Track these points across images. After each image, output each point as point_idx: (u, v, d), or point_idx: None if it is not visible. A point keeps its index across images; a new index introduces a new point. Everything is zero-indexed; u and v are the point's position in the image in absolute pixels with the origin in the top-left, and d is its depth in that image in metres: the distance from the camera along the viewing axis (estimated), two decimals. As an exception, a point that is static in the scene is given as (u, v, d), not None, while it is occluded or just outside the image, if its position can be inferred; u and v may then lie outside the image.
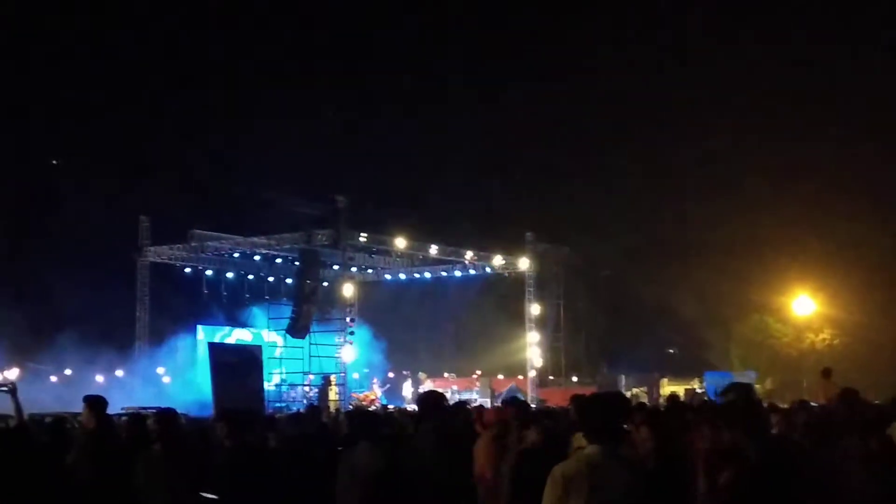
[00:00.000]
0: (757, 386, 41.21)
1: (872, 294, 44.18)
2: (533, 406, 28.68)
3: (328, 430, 13.03)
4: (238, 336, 42.41)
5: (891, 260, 43.89)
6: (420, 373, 45.91)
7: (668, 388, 43.10)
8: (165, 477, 8.68)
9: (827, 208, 45.05)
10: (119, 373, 41.13)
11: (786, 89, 49.50)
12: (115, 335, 41.95)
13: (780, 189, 46.95)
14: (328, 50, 61.73)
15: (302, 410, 21.18)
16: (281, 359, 38.17)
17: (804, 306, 45.69)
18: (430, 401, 8.85)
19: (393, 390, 42.88)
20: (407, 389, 42.64)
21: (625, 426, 6.40)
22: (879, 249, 43.70)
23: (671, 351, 53.93)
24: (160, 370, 41.83)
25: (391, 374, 45.44)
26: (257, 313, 42.33)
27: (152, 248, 41.59)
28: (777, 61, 51.07)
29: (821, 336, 46.65)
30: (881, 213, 44.48)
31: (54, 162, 49.91)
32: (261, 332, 41.34)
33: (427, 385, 43.51)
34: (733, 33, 53.36)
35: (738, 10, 54.35)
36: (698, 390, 39.68)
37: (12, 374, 44.15)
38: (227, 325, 42.95)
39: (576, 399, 5.73)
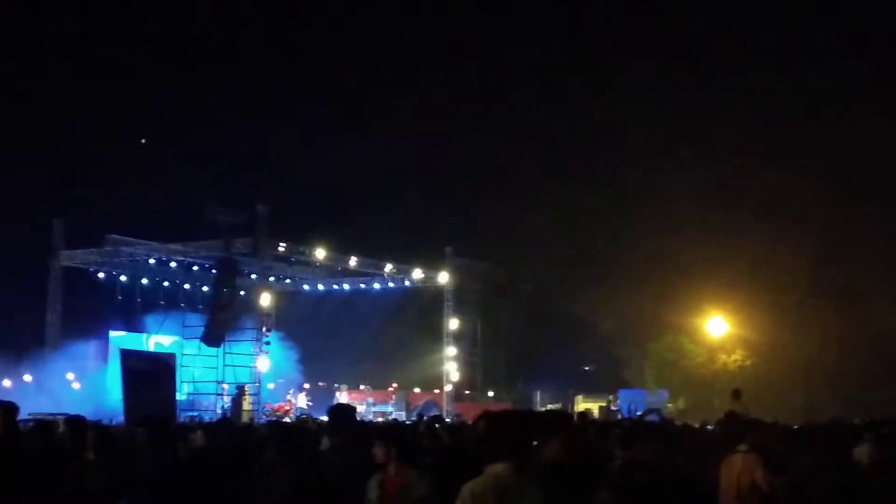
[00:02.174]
0: (669, 405, 41.82)
1: (783, 316, 45.03)
2: (448, 420, 28.71)
3: (241, 442, 12.84)
4: (151, 343, 41.74)
5: (801, 283, 44.82)
6: (335, 384, 45.76)
7: (582, 404, 43.45)
8: (96, 486, 8.49)
9: (740, 231, 45.87)
10: (27, 378, 40.21)
11: (703, 114, 50.37)
12: (25, 339, 41.04)
13: (697, 211, 47.65)
14: (253, 57, 61.24)
15: (215, 421, 20.92)
16: (194, 367, 37.65)
17: (717, 327, 46.46)
18: (341, 415, 8.60)
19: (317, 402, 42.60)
20: (302, 400, 42.29)
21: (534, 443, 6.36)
22: (790, 272, 44.60)
23: (587, 368, 54.34)
24: (70, 376, 40.97)
25: (306, 385, 45.12)
26: (172, 320, 41.75)
27: (65, 252, 40.85)
28: (690, 85, 51.98)
29: (733, 357, 47.39)
30: (792, 237, 45.41)
31: None
32: (174, 339, 40.77)
33: (344, 397, 43.30)
34: (652, 54, 54.20)
35: (658, 33, 55.22)
36: (612, 408, 40.05)
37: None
38: (141, 332, 42.26)
39: (484, 416, 5.70)
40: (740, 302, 45.69)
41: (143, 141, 50.79)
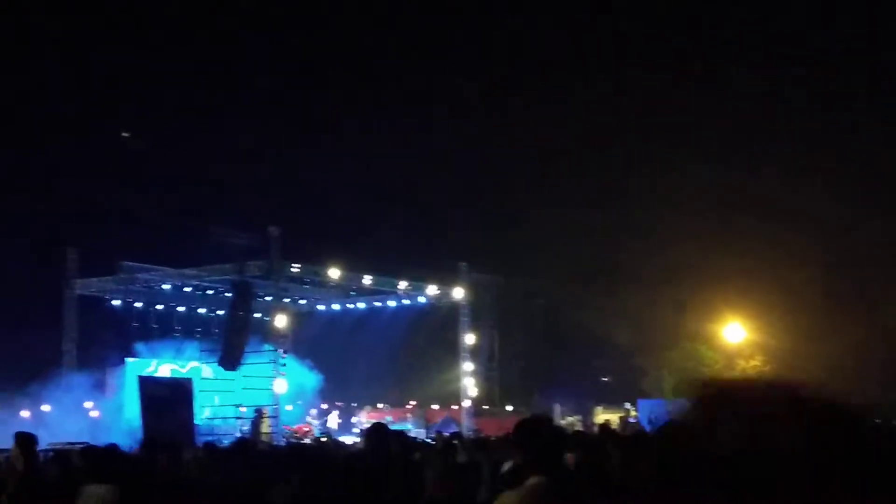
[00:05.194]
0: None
1: (799, 321, 44.80)
2: (468, 435, 28.59)
3: (258, 465, 12.74)
4: (168, 369, 41.75)
5: (816, 287, 44.60)
6: (354, 404, 45.69)
7: (602, 416, 43.30)
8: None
9: (756, 236, 45.73)
10: (45, 408, 40.27)
11: (717, 121, 50.31)
12: (43, 369, 41.09)
13: (712, 218, 47.57)
14: (263, 79, 61.45)
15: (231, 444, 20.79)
16: (212, 391, 37.62)
17: (735, 333, 46.17)
18: (378, 435, 8.56)
19: (325, 423, 42.48)
20: (333, 420, 42.26)
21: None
22: (805, 277, 44.39)
23: (605, 379, 54.16)
24: (88, 404, 41.03)
25: (324, 406, 45.06)
26: (188, 345, 41.78)
27: (80, 281, 40.91)
28: (706, 94, 51.86)
29: (751, 363, 47.08)
30: (806, 241, 45.26)
31: None
32: (192, 364, 40.78)
33: (363, 416, 43.21)
34: (670, 61, 54.17)
35: (683, 41, 55.16)
36: (631, 419, 39.87)
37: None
38: (158, 358, 42.28)
39: (522, 425, 5.56)
40: (757, 307, 45.47)
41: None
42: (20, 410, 40.12)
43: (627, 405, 45.14)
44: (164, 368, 41.72)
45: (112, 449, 10.19)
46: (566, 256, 52.02)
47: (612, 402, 47.44)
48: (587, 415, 46.74)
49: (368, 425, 10.67)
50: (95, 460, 9.29)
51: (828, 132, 46.36)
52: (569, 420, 43.91)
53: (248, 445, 15.30)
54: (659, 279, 47.30)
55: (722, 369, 47.79)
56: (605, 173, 53.43)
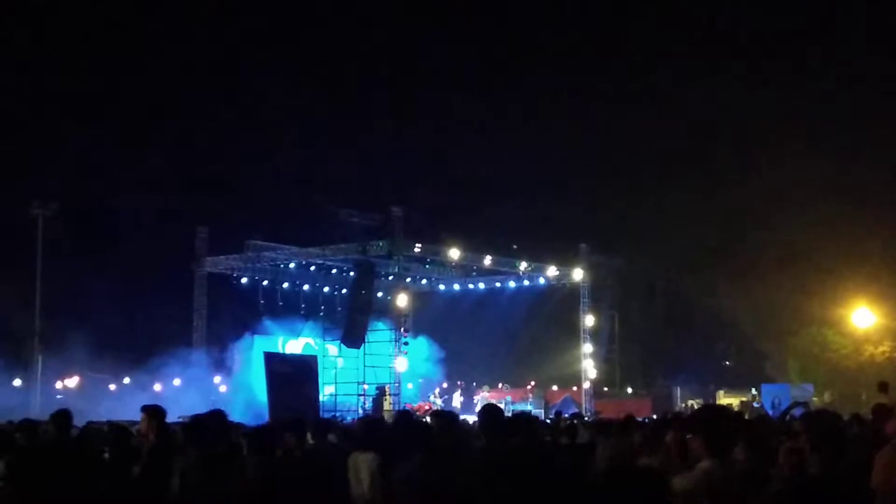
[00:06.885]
0: (815, 399, 40.77)
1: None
2: (587, 417, 28.60)
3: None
4: (293, 346, 42.61)
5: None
6: (474, 384, 45.95)
7: (724, 399, 42.77)
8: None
9: (886, 220, 44.48)
10: (176, 381, 41.53)
11: (846, 104, 49.11)
12: (173, 344, 42.30)
13: (839, 201, 46.42)
14: (384, 63, 62.04)
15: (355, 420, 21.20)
16: (335, 369, 38.29)
17: (864, 318, 45.01)
18: (490, 414, 8.71)
19: (449, 401, 42.86)
20: (457, 399, 42.59)
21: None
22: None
23: (727, 363, 53.41)
24: (216, 379, 42.18)
25: (445, 385, 45.43)
26: (312, 323, 42.55)
27: (209, 259, 41.98)
28: (833, 78, 50.72)
29: (881, 349, 45.91)
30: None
31: None
32: (316, 341, 41.53)
33: (484, 396, 43.47)
34: (795, 50, 53.07)
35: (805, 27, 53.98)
36: (755, 404, 39.31)
37: (72, 382, 44.89)
38: (283, 335, 43.20)
39: (702, 411, 5.76)
40: (887, 292, 44.25)
41: None
42: (152, 384, 41.49)
43: (754, 391, 44.41)
44: (289, 345, 42.61)
45: (379, 420, 10.65)
46: (688, 238, 51.43)
47: (734, 386, 46.74)
48: (709, 398, 46.18)
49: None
50: (367, 430, 9.81)
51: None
52: (690, 403, 43.48)
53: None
54: (784, 263, 46.44)
55: (849, 354, 46.77)
56: (730, 159, 52.63)
